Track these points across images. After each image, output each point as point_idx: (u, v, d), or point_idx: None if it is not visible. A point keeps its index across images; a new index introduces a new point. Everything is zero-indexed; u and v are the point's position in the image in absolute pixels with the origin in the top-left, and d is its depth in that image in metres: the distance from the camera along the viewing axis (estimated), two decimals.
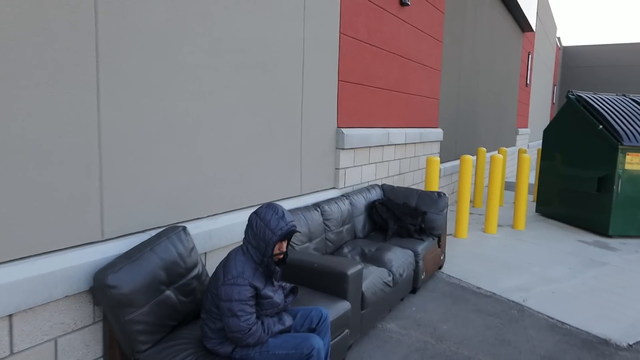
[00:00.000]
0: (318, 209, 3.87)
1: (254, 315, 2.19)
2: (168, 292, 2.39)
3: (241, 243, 2.53)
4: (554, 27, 20.49)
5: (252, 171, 3.46)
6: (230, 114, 3.21)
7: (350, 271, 2.94)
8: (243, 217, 3.32)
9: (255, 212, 2.31)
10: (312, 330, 2.45)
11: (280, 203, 3.77)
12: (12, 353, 2.08)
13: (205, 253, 3.05)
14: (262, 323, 2.24)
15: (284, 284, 2.48)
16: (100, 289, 2.18)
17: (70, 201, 2.28)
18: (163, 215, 2.77)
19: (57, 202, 2.22)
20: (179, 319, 2.44)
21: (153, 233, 2.63)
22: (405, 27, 5.76)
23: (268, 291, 2.27)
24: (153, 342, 2.31)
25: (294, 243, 3.45)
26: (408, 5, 5.64)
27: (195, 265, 2.57)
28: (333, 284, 2.97)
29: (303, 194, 4.13)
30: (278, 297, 2.33)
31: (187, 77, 2.84)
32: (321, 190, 4.41)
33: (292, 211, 3.61)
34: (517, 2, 10.76)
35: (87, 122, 2.32)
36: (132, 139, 2.54)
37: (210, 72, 3.01)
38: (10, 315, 2.05)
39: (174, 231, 2.55)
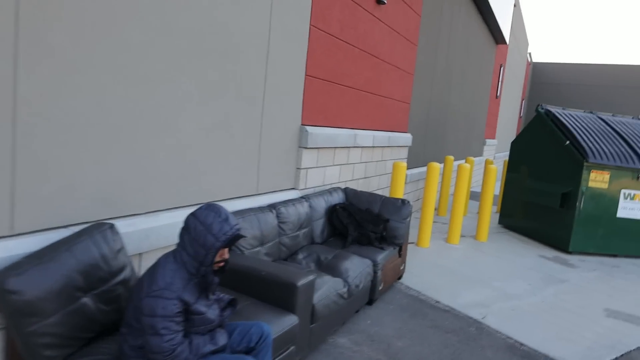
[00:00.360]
0: (273, 211, 3.60)
1: (180, 334, 1.90)
2: (85, 300, 2.07)
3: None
4: (526, 42, 20.86)
5: (202, 166, 3.15)
6: (180, 101, 2.90)
7: (301, 282, 2.68)
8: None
9: (192, 214, 2.01)
10: (250, 350, 2.18)
11: (234, 202, 3.48)
12: None
13: (141, 254, 2.73)
14: (190, 343, 1.95)
15: (221, 295, 2.20)
16: None
17: None
18: (92, 210, 2.44)
19: None
20: (97, 330, 2.12)
21: (78, 229, 2.30)
22: (380, 26, 5.55)
23: (200, 306, 1.98)
24: (62, 358, 1.98)
25: (243, 247, 3.17)
26: (384, 3, 5.43)
27: (121, 269, 2.25)
28: (281, 296, 2.70)
29: (259, 194, 3.85)
30: (212, 312, 2.05)
31: (131, 56, 2.51)
32: (279, 191, 4.13)
33: (244, 212, 3.32)
34: (493, 13, 10.78)
35: None
36: (55, 121, 2.20)
37: (160, 53, 2.69)
38: None
39: (99, 229, 2.22)
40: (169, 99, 2.81)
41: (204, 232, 1.93)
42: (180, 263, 1.97)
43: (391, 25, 5.85)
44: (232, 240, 1.99)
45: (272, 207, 3.65)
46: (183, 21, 2.81)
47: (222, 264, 2.04)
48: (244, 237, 2.10)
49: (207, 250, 1.93)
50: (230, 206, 3.41)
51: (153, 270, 1.96)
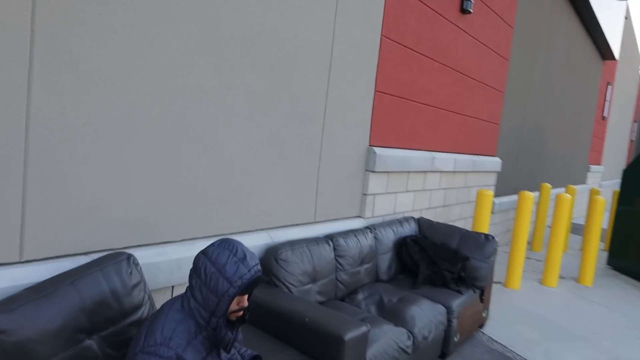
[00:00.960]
0: (330, 243, 3.16)
1: None
2: (88, 343, 1.78)
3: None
4: (638, 58, 18.67)
5: (248, 188, 2.83)
6: (224, 115, 2.60)
7: (350, 335, 2.21)
8: None
9: (203, 252, 1.65)
10: None
11: (286, 231, 3.11)
12: None
13: (173, 287, 2.43)
14: None
15: (242, 350, 1.80)
16: None
17: None
18: (116, 236, 2.18)
19: None
20: None
21: (99, 256, 2.04)
22: (464, 38, 4.99)
23: None
24: None
25: (291, 284, 2.76)
26: (470, 12, 4.87)
27: (136, 307, 1.94)
28: (325, 349, 2.24)
29: (317, 222, 3.44)
30: None
31: (166, 65, 2.26)
32: (342, 219, 3.70)
33: (295, 243, 2.93)
34: (599, 26, 9.61)
35: (11, 104, 1.77)
36: (73, 135, 1.97)
37: (200, 61, 2.42)
38: None
39: (113, 260, 1.94)
40: (210, 113, 2.52)
41: (215, 275, 1.56)
42: (187, 312, 1.61)
43: (478, 37, 5.25)
44: (251, 286, 1.59)
45: (329, 238, 3.22)
46: (227, 26, 2.52)
47: (240, 313, 1.65)
48: (265, 280, 1.69)
49: (220, 297, 1.55)
50: (282, 235, 3.04)
51: (154, 318, 1.61)
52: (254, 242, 2.86)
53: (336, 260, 3.18)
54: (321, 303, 2.97)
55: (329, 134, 3.41)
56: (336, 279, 3.16)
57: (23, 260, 1.89)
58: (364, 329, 2.30)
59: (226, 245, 1.63)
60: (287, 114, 3.02)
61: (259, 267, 1.62)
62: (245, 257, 1.60)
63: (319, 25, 3.13)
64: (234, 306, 1.61)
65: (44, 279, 1.83)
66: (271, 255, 2.78)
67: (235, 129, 2.68)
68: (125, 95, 2.13)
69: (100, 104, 2.04)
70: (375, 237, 3.63)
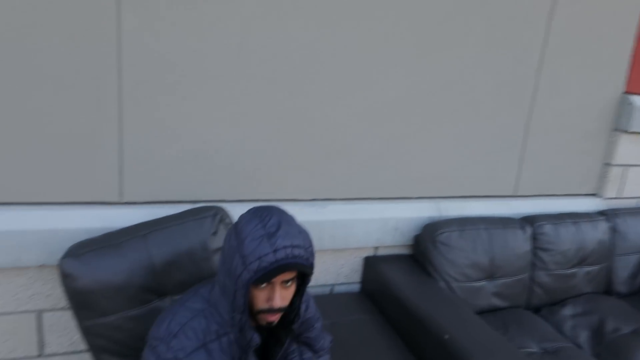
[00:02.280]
0: (528, 228, 2.23)
1: None
2: (158, 304, 1.55)
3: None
4: None
5: (413, 146, 2.15)
6: (382, 48, 1.97)
7: None
8: (380, 211, 2.14)
9: (240, 217, 1.15)
10: None
11: (463, 203, 2.33)
12: None
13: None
14: None
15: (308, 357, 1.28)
16: (59, 272, 1.51)
17: (74, 138, 1.65)
18: (224, 187, 1.89)
19: (50, 136, 1.63)
20: None
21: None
22: None
23: None
24: None
25: (452, 276, 2.03)
26: None
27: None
28: None
29: (517, 196, 2.50)
30: None
31: None
32: (561, 196, 2.62)
33: (469, 221, 2.14)
34: None
35: (99, 28, 1.59)
36: (174, 67, 1.69)
37: None
38: None
39: (195, 216, 1.63)
40: (356, 42, 1.92)
41: (233, 250, 1.05)
42: (211, 301, 1.16)
43: None
44: (272, 274, 1.02)
45: (527, 220, 2.28)
46: None
47: (273, 316, 1.10)
48: (308, 272, 1.08)
49: (235, 282, 1.04)
50: (455, 208, 2.29)
51: (175, 301, 1.23)
52: (411, 212, 2.21)
53: (534, 253, 2.24)
54: (497, 310, 2.14)
55: (550, 75, 2.35)
56: (531, 279, 2.24)
57: (123, 201, 1.77)
58: None
59: (260, 212, 1.08)
60: (479, 46, 2.15)
61: (295, 251, 1.02)
62: (276, 231, 1.02)
63: None
64: (260, 302, 1.08)
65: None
66: (428, 234, 2.09)
67: (397, 65, 2.01)
68: (238, 18, 1.74)
69: (207, 28, 1.71)
70: (612, 229, 2.45)
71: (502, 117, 2.31)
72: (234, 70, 1.77)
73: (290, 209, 1.94)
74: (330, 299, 2.08)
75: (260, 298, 1.07)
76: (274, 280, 1.05)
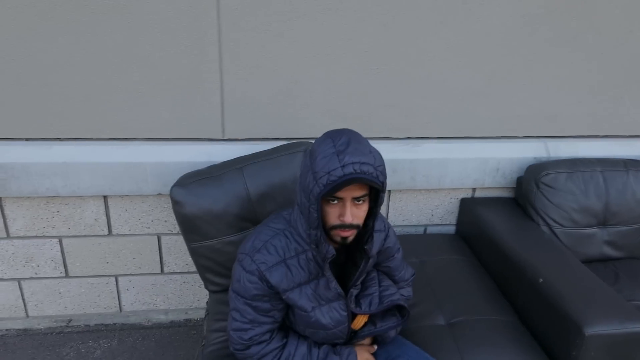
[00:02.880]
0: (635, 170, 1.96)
1: (264, 329, 1.22)
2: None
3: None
4: None
5: (516, 79, 1.97)
6: None
7: (595, 331, 1.32)
8: (479, 151, 2.04)
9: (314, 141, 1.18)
10: None
11: (577, 143, 2.12)
12: (110, 234, 1.98)
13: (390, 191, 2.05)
14: (284, 347, 1.25)
15: (389, 291, 1.31)
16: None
17: (181, 80, 1.80)
18: (318, 125, 1.93)
19: (159, 77, 1.79)
20: None
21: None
22: None
23: (301, 297, 1.21)
24: (222, 288, 1.73)
25: (557, 221, 1.88)
26: None
27: None
28: (555, 334, 1.44)
29: (632, 136, 2.19)
30: (330, 313, 1.24)
31: None
32: None
33: (580, 163, 1.94)
34: None
35: None
36: (267, 4, 1.72)
37: None
38: (105, 197, 1.91)
39: (288, 150, 1.70)
40: None
41: (307, 168, 1.10)
42: (291, 222, 1.23)
43: None
44: (340, 186, 1.04)
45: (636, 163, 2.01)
46: None
47: (346, 232, 1.12)
48: (379, 186, 1.07)
49: (308, 198, 1.09)
50: (568, 149, 2.10)
51: (261, 223, 1.32)
52: (515, 153, 2.07)
53: None
54: (610, 260, 1.95)
55: None
56: None
57: (225, 138, 1.91)
58: (638, 326, 1.34)
59: (333, 133, 1.11)
60: None
61: (363, 167, 1.03)
62: (345, 149, 1.05)
63: None
64: (333, 218, 1.11)
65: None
66: (532, 175, 1.94)
67: None
68: None
69: None
70: None
71: (634, 44, 2.00)
72: (322, 7, 1.75)
73: (382, 147, 1.94)
74: (423, 239, 2.07)
75: (333, 214, 1.10)
76: (344, 196, 1.07)
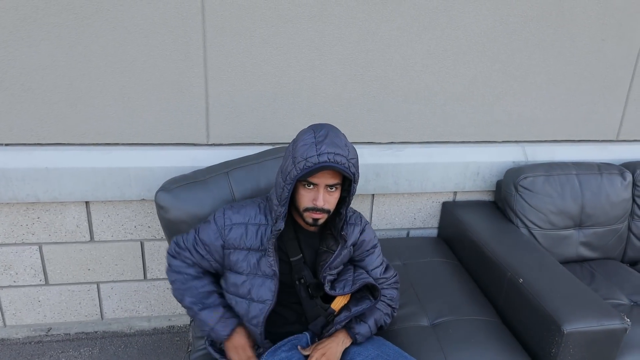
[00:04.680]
0: (627, 175, 2.03)
1: (194, 257, 1.40)
2: None
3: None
4: None
5: (496, 85, 2.03)
6: None
7: (574, 328, 1.36)
8: (461, 155, 2.08)
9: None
10: None
11: (554, 148, 2.18)
12: (92, 240, 1.95)
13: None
14: (196, 278, 1.40)
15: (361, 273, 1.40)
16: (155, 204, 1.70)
17: (166, 85, 1.80)
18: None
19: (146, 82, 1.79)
20: None
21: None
22: None
23: (246, 261, 1.34)
24: None
25: (533, 222, 1.94)
26: None
27: None
28: (535, 333, 1.48)
29: (618, 140, 2.28)
30: (263, 287, 1.33)
31: None
32: None
33: (557, 166, 2.00)
34: None
35: None
36: (254, 9, 1.74)
37: None
38: (87, 202, 1.88)
39: (275, 155, 1.72)
40: None
41: (288, 154, 1.27)
42: (269, 197, 1.42)
43: None
44: (314, 171, 1.19)
45: (627, 167, 2.08)
46: None
47: (317, 214, 1.26)
48: (350, 174, 1.22)
49: (285, 178, 1.25)
50: (545, 153, 2.17)
51: None
52: (495, 157, 2.12)
53: (635, 202, 2.05)
54: (586, 261, 2.02)
55: None
56: (628, 230, 2.07)
57: (210, 143, 1.91)
58: (614, 323, 1.39)
59: (315, 126, 1.28)
60: None
61: (337, 157, 1.19)
62: (323, 140, 1.20)
63: None
64: (306, 201, 1.25)
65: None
66: (511, 178, 2.00)
67: None
68: None
69: None
70: None
71: (606, 52, 2.08)
72: (307, 14, 1.78)
73: (366, 151, 1.99)
74: (406, 242, 2.10)
75: (307, 197, 1.25)
76: (319, 182, 1.22)
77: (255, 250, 1.33)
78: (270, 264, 1.30)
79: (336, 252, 1.33)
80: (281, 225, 1.26)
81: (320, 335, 1.38)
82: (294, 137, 1.26)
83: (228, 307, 1.37)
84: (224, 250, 1.35)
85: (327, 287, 1.32)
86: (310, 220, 1.27)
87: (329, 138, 1.21)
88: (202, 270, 1.41)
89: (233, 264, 1.35)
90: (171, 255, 1.42)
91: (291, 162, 1.21)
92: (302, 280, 1.35)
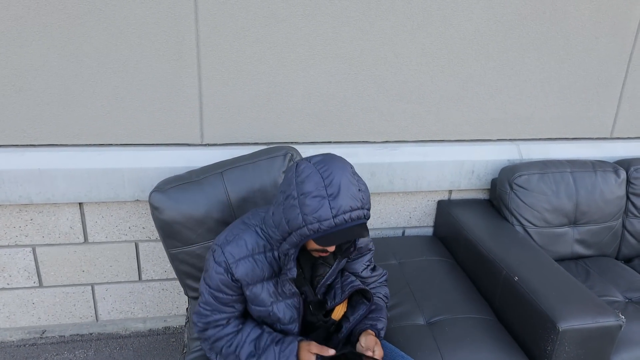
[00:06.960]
0: (621, 173, 2.04)
1: (222, 316, 1.28)
2: None
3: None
4: None
5: (490, 83, 2.03)
6: None
7: (569, 325, 1.37)
8: (456, 154, 2.08)
9: (304, 160, 1.17)
10: None
11: (548, 146, 2.19)
12: (86, 241, 1.94)
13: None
14: (238, 332, 1.28)
15: (346, 279, 1.36)
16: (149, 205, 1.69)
17: (159, 85, 1.79)
18: (297, 129, 1.94)
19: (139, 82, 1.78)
20: None
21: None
22: None
23: (262, 290, 1.25)
24: None
25: (528, 220, 1.94)
26: None
27: None
28: (530, 330, 1.49)
29: (613, 138, 2.28)
30: (285, 308, 1.27)
31: None
32: None
33: (551, 164, 2.01)
34: None
35: None
36: (244, 10, 1.73)
37: None
38: (80, 204, 1.87)
39: (268, 155, 1.71)
40: None
41: (295, 203, 1.10)
42: (266, 222, 1.24)
43: None
44: (333, 237, 1.08)
45: (621, 164, 2.09)
46: None
47: (323, 253, 1.19)
48: (368, 239, 1.26)
49: (293, 231, 1.11)
50: (539, 151, 2.16)
51: (237, 219, 1.35)
52: (490, 155, 2.12)
53: (629, 199, 2.06)
54: (580, 258, 2.03)
55: None
56: (623, 227, 2.08)
57: (204, 143, 1.91)
58: (609, 320, 1.39)
59: (324, 167, 1.10)
60: None
61: (356, 213, 1.07)
62: (338, 194, 1.05)
63: None
64: (314, 245, 1.15)
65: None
66: (505, 176, 2.00)
67: None
68: None
69: None
70: None
71: (600, 50, 2.08)
72: (301, 12, 1.77)
73: (361, 151, 1.98)
74: (401, 241, 2.10)
75: (316, 244, 1.13)
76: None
77: (269, 278, 1.25)
78: (287, 289, 1.24)
79: (333, 267, 1.28)
80: (294, 273, 1.17)
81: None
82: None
83: (278, 331, 1.30)
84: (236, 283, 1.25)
85: (328, 304, 1.31)
86: (317, 256, 1.22)
87: (343, 188, 1.06)
88: (238, 322, 1.30)
89: (252, 299, 1.26)
90: (200, 330, 1.30)
91: (300, 218, 1.07)
92: (303, 296, 1.29)
